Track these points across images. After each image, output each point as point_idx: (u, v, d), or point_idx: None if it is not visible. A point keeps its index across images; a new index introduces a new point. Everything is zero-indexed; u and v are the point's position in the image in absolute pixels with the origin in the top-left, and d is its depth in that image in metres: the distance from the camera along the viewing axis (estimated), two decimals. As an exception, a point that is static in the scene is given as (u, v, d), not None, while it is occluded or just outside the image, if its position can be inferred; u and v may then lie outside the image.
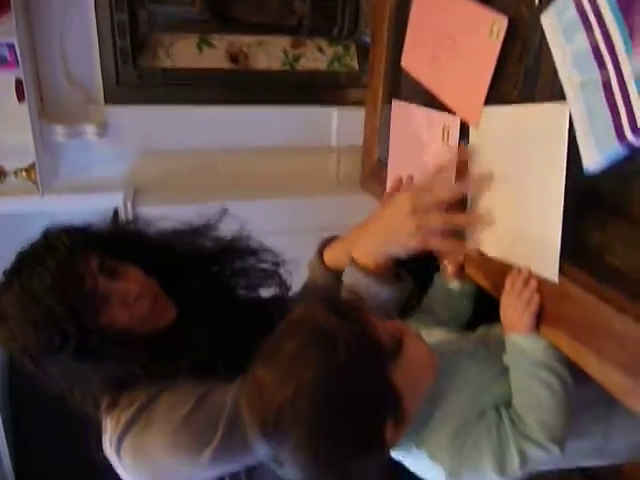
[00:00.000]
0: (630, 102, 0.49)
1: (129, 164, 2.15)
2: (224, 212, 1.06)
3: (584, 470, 1.28)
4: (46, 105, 1.91)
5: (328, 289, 0.94)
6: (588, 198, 0.58)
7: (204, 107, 2.06)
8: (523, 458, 0.63)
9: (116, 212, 2.01)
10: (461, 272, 0.82)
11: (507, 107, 0.68)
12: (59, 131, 1.89)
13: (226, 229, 1.07)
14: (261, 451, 0.63)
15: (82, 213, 2.16)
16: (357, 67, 2.19)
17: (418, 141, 0.91)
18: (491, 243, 0.73)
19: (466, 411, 0.67)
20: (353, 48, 2.20)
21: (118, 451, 0.80)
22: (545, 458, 0.63)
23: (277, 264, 1.10)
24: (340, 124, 2.18)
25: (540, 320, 0.65)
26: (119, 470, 0.83)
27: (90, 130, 1.91)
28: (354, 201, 2.30)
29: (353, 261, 0.85)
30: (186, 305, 0.92)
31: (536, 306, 0.64)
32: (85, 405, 0.86)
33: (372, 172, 1.12)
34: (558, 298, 0.62)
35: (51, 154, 1.94)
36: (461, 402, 0.67)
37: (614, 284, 0.55)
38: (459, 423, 0.66)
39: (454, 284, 0.83)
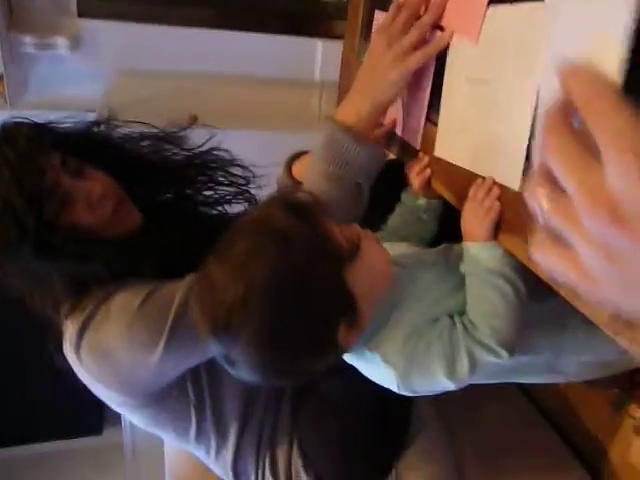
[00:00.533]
0: None
1: (104, 83, 2.07)
2: (194, 120, 1.03)
3: (528, 392, 1.34)
4: (15, 14, 1.82)
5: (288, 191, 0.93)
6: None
7: (185, 28, 1.98)
8: (472, 361, 0.64)
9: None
10: (428, 188, 0.82)
11: (490, 9, 0.66)
12: (28, 41, 1.80)
13: (197, 140, 1.05)
14: (213, 349, 0.62)
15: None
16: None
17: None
18: (458, 150, 0.72)
19: (421, 317, 0.68)
20: (342, -23, 2.12)
21: (78, 350, 0.80)
22: (494, 362, 0.65)
23: (247, 179, 1.09)
24: (324, 58, 2.12)
25: (499, 229, 0.65)
26: (80, 373, 0.83)
27: (61, 43, 1.83)
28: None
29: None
30: (151, 213, 0.90)
31: (496, 214, 0.64)
32: (45, 308, 0.85)
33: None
34: (517, 204, 0.62)
35: (20, 66, 1.86)
36: (417, 309, 0.68)
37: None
38: (413, 328, 0.67)
39: (420, 200, 0.83)
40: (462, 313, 0.69)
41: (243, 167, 1.06)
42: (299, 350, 0.61)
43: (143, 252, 0.84)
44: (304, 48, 2.13)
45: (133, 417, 0.92)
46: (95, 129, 0.95)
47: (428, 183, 0.81)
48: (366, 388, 0.98)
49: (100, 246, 0.80)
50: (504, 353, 0.64)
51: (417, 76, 0.81)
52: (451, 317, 0.68)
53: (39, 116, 2.08)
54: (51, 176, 0.78)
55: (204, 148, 1.03)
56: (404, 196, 0.86)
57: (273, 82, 2.22)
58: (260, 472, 1.00)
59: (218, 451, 0.98)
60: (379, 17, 0.97)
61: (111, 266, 0.81)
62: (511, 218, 0.63)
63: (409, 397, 1.07)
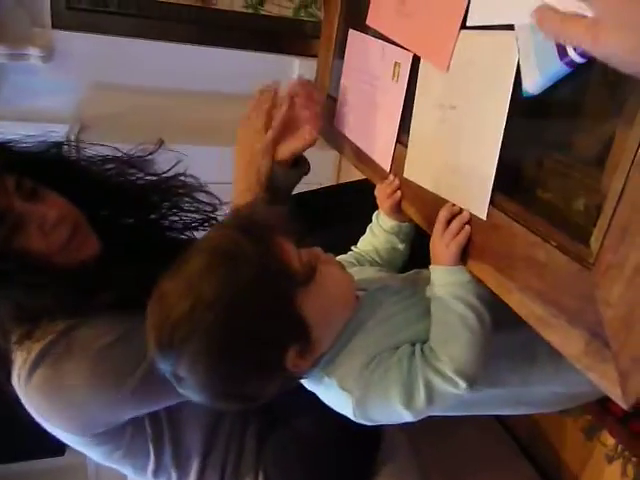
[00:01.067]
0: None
1: (76, 96, 2.04)
2: (161, 144, 1.00)
3: (500, 419, 1.32)
4: (-13, 24, 1.78)
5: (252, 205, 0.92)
6: (526, 125, 0.56)
7: (159, 42, 1.96)
8: (429, 390, 0.61)
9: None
10: (398, 211, 0.80)
11: (462, 33, 0.65)
12: (0, 51, 1.77)
13: (164, 165, 1.01)
14: (160, 366, 0.60)
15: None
16: (323, 17, 2.12)
17: (370, 74, 0.88)
18: (427, 174, 0.71)
19: (382, 344, 0.65)
20: (320, -3, 2.13)
21: (27, 384, 0.75)
22: (452, 392, 0.62)
23: (213, 206, 1.06)
24: (301, 76, 2.13)
25: (468, 255, 0.64)
26: (28, 406, 0.78)
27: (34, 53, 1.80)
28: (309, 156, 2.27)
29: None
30: (112, 240, 0.86)
31: (464, 238, 0.63)
32: None
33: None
34: (486, 230, 0.60)
35: (-9, 76, 1.82)
36: (378, 335, 0.66)
37: (542, 215, 0.54)
38: (372, 354, 0.64)
39: (391, 223, 0.81)
40: (425, 341, 0.66)
41: (209, 193, 1.03)
42: (244, 371, 0.59)
43: (100, 282, 0.79)
44: (282, 66, 2.13)
45: (87, 453, 0.87)
46: (55, 150, 0.91)
47: (398, 206, 0.79)
48: (332, 418, 0.95)
49: (52, 275, 0.76)
50: (462, 383, 0.61)
51: (388, 98, 0.80)
52: (413, 345, 0.66)
53: (8, 127, 2.04)
54: (3, 200, 0.74)
55: (170, 173, 1.00)
56: (375, 218, 0.84)
57: (250, 99, 2.20)
58: None
59: None
60: (353, 36, 0.96)
61: (63, 298, 0.76)
62: (480, 244, 0.62)
63: (378, 426, 1.05)
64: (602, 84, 0.50)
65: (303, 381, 0.69)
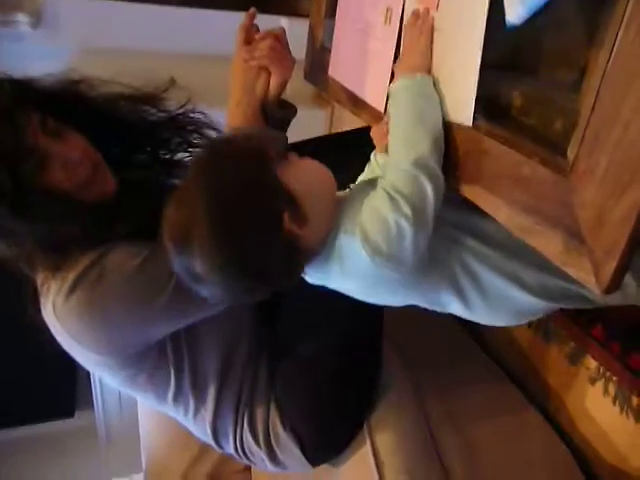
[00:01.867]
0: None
1: (67, 62, 2.04)
2: (172, 82, 1.04)
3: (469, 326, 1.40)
4: (-26, -10, 1.78)
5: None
6: (507, 55, 0.62)
7: (148, 5, 1.97)
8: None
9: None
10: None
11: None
12: (-12, 18, 1.77)
13: (173, 102, 1.06)
14: (178, 266, 0.66)
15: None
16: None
17: (362, 21, 0.92)
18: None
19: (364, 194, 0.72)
20: (308, -47, 2.13)
21: (62, 308, 0.80)
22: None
23: None
24: (289, 36, 2.14)
25: (461, 180, 0.70)
26: (60, 333, 0.83)
27: (22, 19, 1.80)
28: (300, 116, 2.30)
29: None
30: (126, 176, 0.92)
31: (428, 27, 0.71)
32: (19, 262, 0.85)
33: (316, 60, 1.12)
34: (477, 155, 0.66)
35: (-20, 43, 1.82)
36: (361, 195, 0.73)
37: (524, 135, 0.60)
38: (358, 198, 0.72)
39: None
40: None
41: (218, 130, 1.08)
42: (246, 240, 0.65)
43: (118, 217, 0.85)
44: (268, 26, 2.13)
45: (109, 378, 0.94)
46: (73, 88, 0.95)
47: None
48: (335, 345, 1.03)
49: (76, 208, 0.82)
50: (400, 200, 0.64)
51: (381, 42, 0.84)
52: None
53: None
54: (30, 136, 0.78)
55: (180, 110, 1.04)
56: (372, 157, 0.90)
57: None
58: (239, 430, 1.03)
59: (197, 411, 1.01)
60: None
61: (88, 229, 0.82)
62: (471, 169, 0.68)
63: (378, 352, 1.12)
64: (577, 13, 0.56)
65: (309, 278, 0.76)
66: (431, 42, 0.71)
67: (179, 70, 2.22)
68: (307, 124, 2.42)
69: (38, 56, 1.98)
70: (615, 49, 0.48)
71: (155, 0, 1.98)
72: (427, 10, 0.72)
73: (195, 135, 1.07)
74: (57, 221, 0.80)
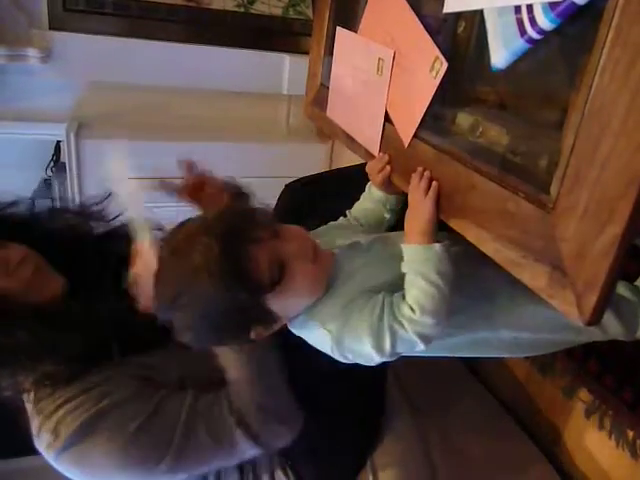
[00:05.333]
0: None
1: (75, 95, 2.11)
2: (109, 196, 1.04)
3: (467, 361, 1.40)
4: (-14, 26, 1.84)
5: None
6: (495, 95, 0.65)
7: (154, 42, 2.04)
8: (393, 332, 0.69)
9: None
10: (389, 185, 0.88)
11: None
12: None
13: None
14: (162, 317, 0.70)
15: (23, 141, 2.11)
16: (312, 16, 2.21)
17: (357, 69, 0.95)
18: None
19: (358, 289, 0.73)
20: (309, -4, 2.22)
21: (56, 459, 0.82)
22: (419, 332, 0.69)
23: None
24: (292, 72, 2.20)
25: (449, 213, 0.72)
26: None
27: (33, 54, 1.87)
28: (302, 150, 2.35)
29: None
30: (77, 282, 0.92)
31: (434, 192, 0.72)
32: None
33: (315, 97, 1.16)
34: (464, 190, 0.69)
35: (-9, 77, 1.88)
36: (357, 280, 0.74)
37: (510, 172, 0.63)
38: (350, 297, 0.73)
39: (379, 194, 0.90)
40: (395, 291, 0.73)
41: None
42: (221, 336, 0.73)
43: (70, 317, 0.85)
44: (272, 63, 2.20)
45: None
46: (13, 209, 0.97)
47: (388, 179, 0.87)
48: (337, 380, 1.02)
49: (19, 313, 0.82)
50: (427, 319, 0.68)
51: (374, 90, 0.87)
52: (387, 293, 0.72)
53: (8, 127, 2.08)
54: None
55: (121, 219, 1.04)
56: (367, 190, 0.93)
57: (242, 96, 2.28)
58: None
59: None
60: (341, 33, 1.03)
61: (37, 335, 0.81)
62: (459, 203, 0.70)
63: (381, 389, 1.12)
64: (557, 57, 0.59)
65: (290, 326, 0.78)
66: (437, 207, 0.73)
67: (183, 104, 2.29)
68: (309, 157, 2.47)
69: (47, 90, 2.04)
70: (592, 92, 0.51)
71: (162, 37, 2.05)
72: (430, 176, 0.74)
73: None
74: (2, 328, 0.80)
